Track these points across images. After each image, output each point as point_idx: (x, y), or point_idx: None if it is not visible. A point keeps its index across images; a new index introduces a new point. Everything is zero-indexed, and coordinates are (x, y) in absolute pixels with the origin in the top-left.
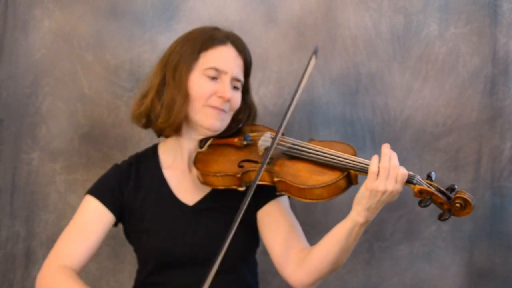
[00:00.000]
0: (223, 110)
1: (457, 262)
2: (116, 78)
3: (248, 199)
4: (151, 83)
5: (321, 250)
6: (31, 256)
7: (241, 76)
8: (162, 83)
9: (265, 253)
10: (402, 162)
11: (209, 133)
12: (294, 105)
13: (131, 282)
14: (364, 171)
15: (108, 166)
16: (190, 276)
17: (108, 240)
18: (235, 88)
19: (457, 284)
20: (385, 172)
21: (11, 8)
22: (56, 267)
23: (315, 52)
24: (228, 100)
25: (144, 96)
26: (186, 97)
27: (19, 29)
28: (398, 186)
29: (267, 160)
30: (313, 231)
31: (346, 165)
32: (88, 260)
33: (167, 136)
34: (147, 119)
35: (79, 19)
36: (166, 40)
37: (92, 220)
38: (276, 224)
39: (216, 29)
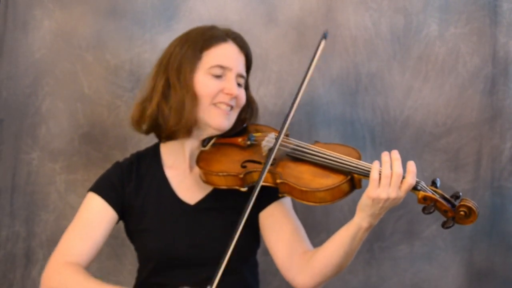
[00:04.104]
0: (230, 106)
1: (457, 262)
2: (116, 78)
3: (252, 201)
4: (153, 87)
5: (325, 254)
6: (31, 256)
7: (244, 72)
8: (167, 86)
9: (265, 253)
10: (402, 162)
11: (216, 133)
12: (299, 99)
13: (131, 282)
14: (368, 176)
15: (108, 166)
16: (191, 276)
17: (108, 240)
18: (239, 85)
19: (457, 284)
20: (387, 180)
21: (11, 8)
22: (62, 264)
23: (324, 37)
24: (235, 97)
25: (147, 100)
26: (194, 98)
27: (19, 29)
28: (402, 194)
29: (270, 161)
30: (314, 231)
31: (350, 169)
32: (93, 257)
33: (176, 139)
34: (153, 124)
35: (79, 19)
36: (166, 40)
37: (96, 217)
38: (279, 226)
39: (213, 27)
